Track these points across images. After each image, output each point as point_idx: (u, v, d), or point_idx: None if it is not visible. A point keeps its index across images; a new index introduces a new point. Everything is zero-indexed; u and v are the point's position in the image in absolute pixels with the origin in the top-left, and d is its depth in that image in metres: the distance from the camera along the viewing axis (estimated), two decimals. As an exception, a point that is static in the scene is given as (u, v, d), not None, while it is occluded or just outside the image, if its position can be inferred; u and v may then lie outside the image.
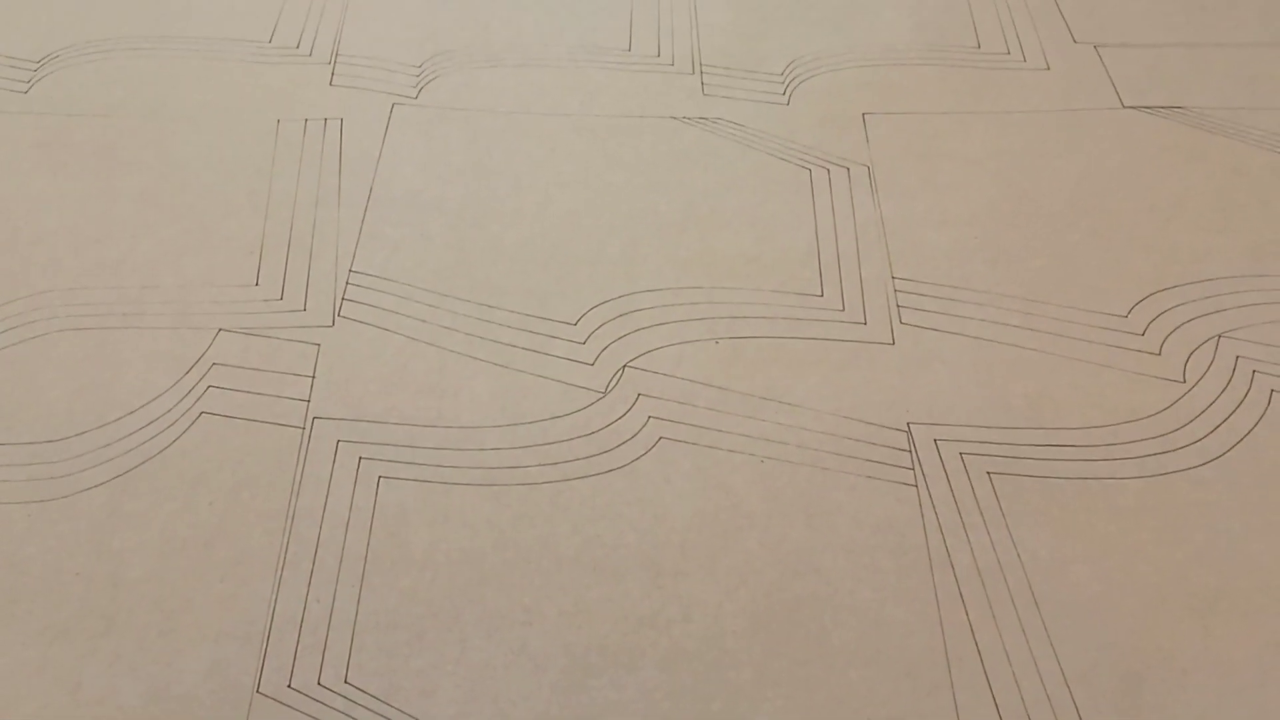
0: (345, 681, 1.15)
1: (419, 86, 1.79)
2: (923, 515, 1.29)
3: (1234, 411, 1.38)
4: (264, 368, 1.41)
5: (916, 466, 1.33)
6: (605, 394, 1.40)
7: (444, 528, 1.27)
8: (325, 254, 1.54)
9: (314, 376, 1.40)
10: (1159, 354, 1.44)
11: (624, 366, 1.43)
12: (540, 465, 1.33)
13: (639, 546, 1.26)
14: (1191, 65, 1.85)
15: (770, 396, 1.40)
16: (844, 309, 1.50)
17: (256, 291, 1.49)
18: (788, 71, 1.84)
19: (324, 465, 1.31)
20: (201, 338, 1.43)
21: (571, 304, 1.50)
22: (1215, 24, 1.92)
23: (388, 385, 1.39)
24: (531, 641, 1.19)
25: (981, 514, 1.29)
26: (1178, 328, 1.47)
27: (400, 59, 1.83)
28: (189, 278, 1.50)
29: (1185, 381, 1.41)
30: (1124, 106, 1.78)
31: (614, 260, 1.55)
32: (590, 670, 1.17)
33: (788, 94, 1.80)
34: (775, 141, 1.72)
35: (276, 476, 1.30)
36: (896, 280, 1.53)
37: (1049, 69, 1.85)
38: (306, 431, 1.34)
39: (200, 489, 1.29)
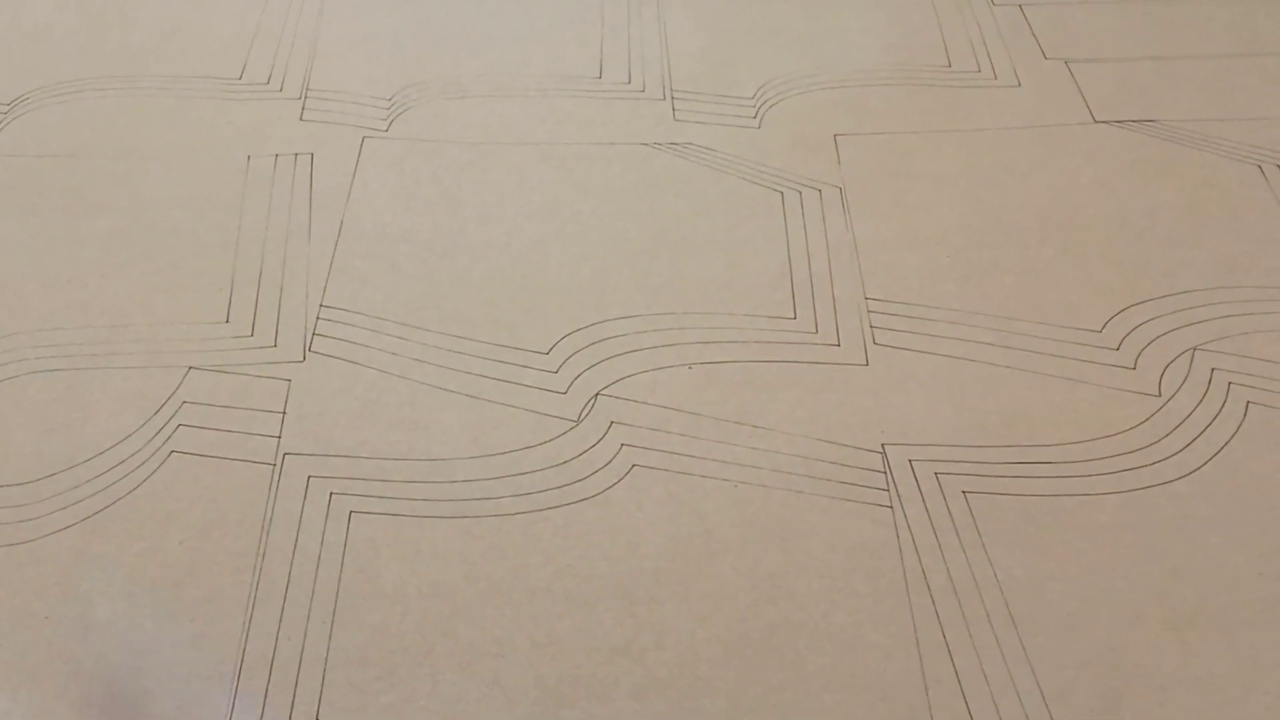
0: (317, 719, 1.14)
1: (389, 119, 1.79)
2: (898, 537, 1.28)
3: (1210, 424, 1.38)
4: (235, 405, 1.40)
5: (891, 488, 1.32)
6: (578, 423, 1.39)
7: (415, 562, 1.26)
8: (295, 289, 1.53)
9: (285, 412, 1.39)
10: (1134, 368, 1.44)
11: (596, 395, 1.42)
12: (512, 496, 1.32)
13: (612, 575, 1.25)
14: (1161, 78, 1.85)
15: (744, 421, 1.39)
16: (817, 331, 1.49)
17: (227, 328, 1.48)
18: (758, 95, 1.84)
19: (295, 501, 1.30)
20: (172, 376, 1.43)
21: (542, 333, 1.49)
22: (1184, 37, 1.93)
23: (359, 419, 1.39)
24: (504, 674, 1.17)
25: (957, 534, 1.28)
26: (1152, 341, 1.47)
27: (370, 92, 1.83)
28: (159, 316, 1.50)
29: (1161, 395, 1.41)
30: (1095, 121, 1.78)
31: (585, 288, 1.54)
32: (563, 701, 1.15)
33: (759, 117, 1.80)
34: (746, 165, 1.72)
35: (247, 514, 1.29)
36: (869, 301, 1.53)
37: (1020, 86, 1.85)
38: (277, 468, 1.33)
39: (170, 529, 1.28)
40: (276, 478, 1.32)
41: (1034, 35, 1.95)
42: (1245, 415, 1.38)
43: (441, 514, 1.30)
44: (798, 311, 1.52)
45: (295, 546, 1.26)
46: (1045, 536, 1.27)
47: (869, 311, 1.51)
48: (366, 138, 1.75)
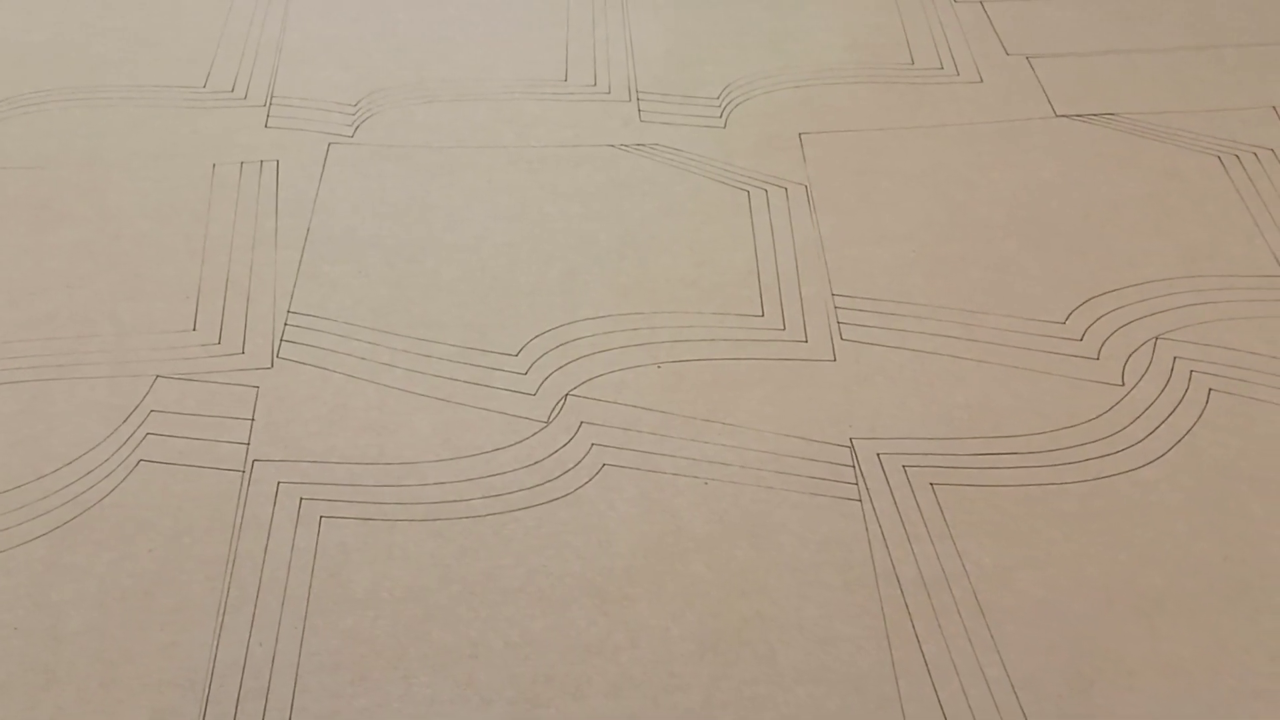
0: (289, 725, 1.14)
1: (355, 125, 1.79)
2: (867, 529, 1.29)
3: (1173, 412, 1.39)
4: (202, 413, 1.40)
5: (860, 481, 1.33)
6: (548, 423, 1.40)
7: (387, 565, 1.26)
8: (263, 296, 1.53)
9: (253, 419, 1.39)
10: (1097, 358, 1.45)
11: (566, 395, 1.42)
12: (484, 498, 1.32)
13: (584, 575, 1.26)
14: (1122, 72, 1.87)
15: (713, 418, 1.40)
16: (785, 328, 1.50)
17: (194, 336, 1.48)
18: (724, 95, 1.85)
19: (265, 508, 1.30)
20: (139, 385, 1.42)
21: (512, 335, 1.49)
22: (1144, 30, 1.95)
23: (328, 424, 1.39)
24: (478, 675, 1.17)
25: (926, 525, 1.29)
26: (1115, 331, 1.48)
27: (336, 98, 1.83)
28: (125, 326, 1.49)
29: (1124, 384, 1.42)
30: (1057, 115, 1.80)
31: (553, 290, 1.55)
32: (538, 701, 1.16)
33: (724, 117, 1.81)
34: (713, 165, 1.73)
35: (217, 521, 1.29)
36: (836, 297, 1.54)
37: (982, 82, 1.87)
38: (246, 475, 1.33)
39: (139, 537, 1.28)
40: (246, 484, 1.32)
41: (995, 31, 1.96)
42: (1207, 402, 1.39)
43: (413, 517, 1.30)
44: (765, 309, 1.52)
45: (266, 552, 1.26)
46: (1013, 526, 1.28)
47: (836, 308, 1.52)
48: (332, 144, 1.76)
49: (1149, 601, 1.22)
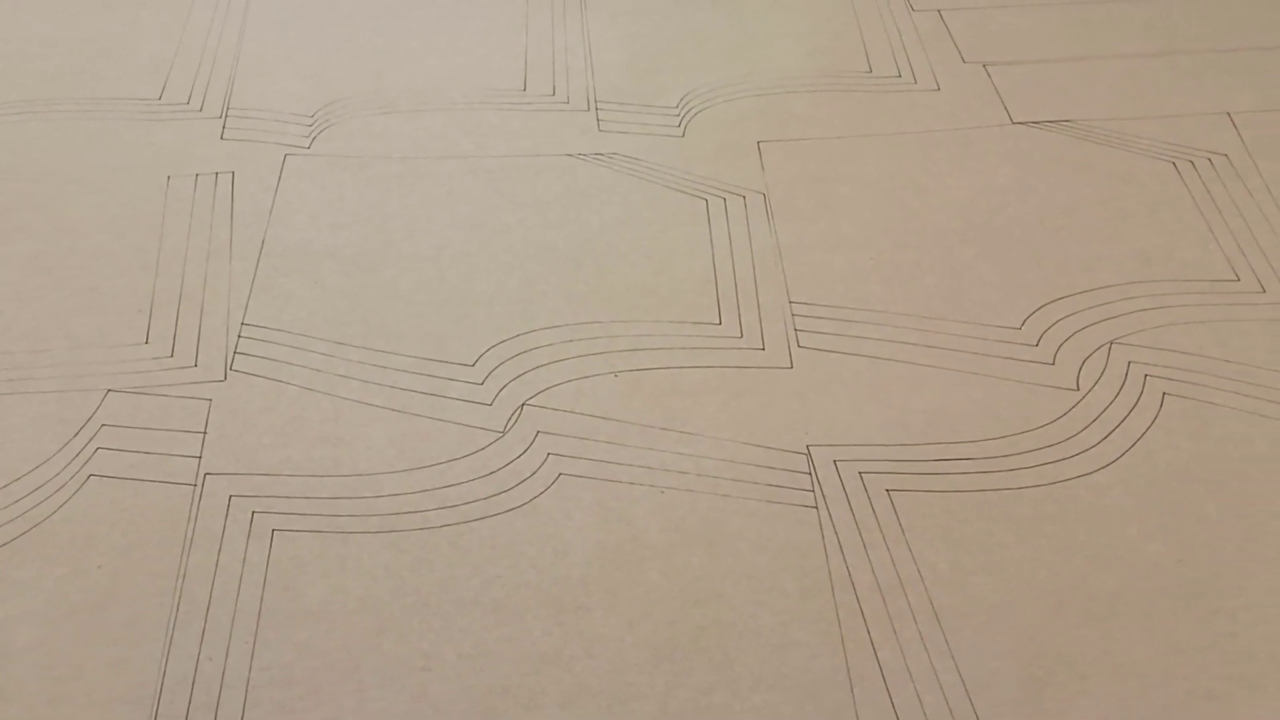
0: (240, 741, 1.13)
1: (311, 136, 1.78)
2: (823, 536, 1.29)
3: (1127, 416, 1.40)
4: (154, 426, 1.38)
5: (816, 488, 1.33)
6: (504, 433, 1.39)
7: (340, 577, 1.25)
8: (217, 308, 1.52)
9: (205, 432, 1.38)
10: (1053, 363, 1.46)
11: (523, 405, 1.42)
12: (439, 508, 1.32)
13: (540, 584, 1.25)
14: (1078, 79, 1.88)
15: (670, 427, 1.40)
16: (742, 336, 1.50)
17: (146, 350, 1.47)
18: (683, 104, 1.85)
19: (216, 521, 1.29)
20: (90, 399, 1.41)
21: (469, 345, 1.49)
22: (1100, 37, 1.96)
23: (282, 437, 1.38)
24: (431, 687, 1.17)
25: (881, 532, 1.29)
26: (1070, 337, 1.49)
27: (292, 109, 1.83)
28: (77, 339, 1.48)
29: (1079, 389, 1.43)
30: (1013, 122, 1.81)
31: (511, 299, 1.54)
32: (491, 713, 1.15)
33: (683, 126, 1.81)
34: (671, 173, 1.73)
35: (168, 536, 1.28)
36: (794, 305, 1.54)
37: (939, 90, 1.87)
38: (198, 488, 1.32)
39: (89, 553, 1.27)
40: (197, 498, 1.31)
41: (953, 39, 1.97)
42: (1161, 406, 1.40)
43: (367, 529, 1.29)
44: (723, 317, 1.52)
45: (217, 566, 1.25)
46: (968, 531, 1.29)
47: (794, 315, 1.52)
48: (289, 155, 1.75)
49: (1102, 605, 1.22)
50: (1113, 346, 1.47)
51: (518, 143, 1.78)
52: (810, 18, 2.02)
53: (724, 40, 1.98)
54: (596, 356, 1.48)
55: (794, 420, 1.40)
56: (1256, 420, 1.38)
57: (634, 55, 1.95)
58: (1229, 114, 1.81)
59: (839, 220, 1.65)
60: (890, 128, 1.81)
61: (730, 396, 1.43)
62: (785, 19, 2.02)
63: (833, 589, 1.24)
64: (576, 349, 1.49)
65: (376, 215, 1.66)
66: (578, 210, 1.67)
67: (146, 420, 1.39)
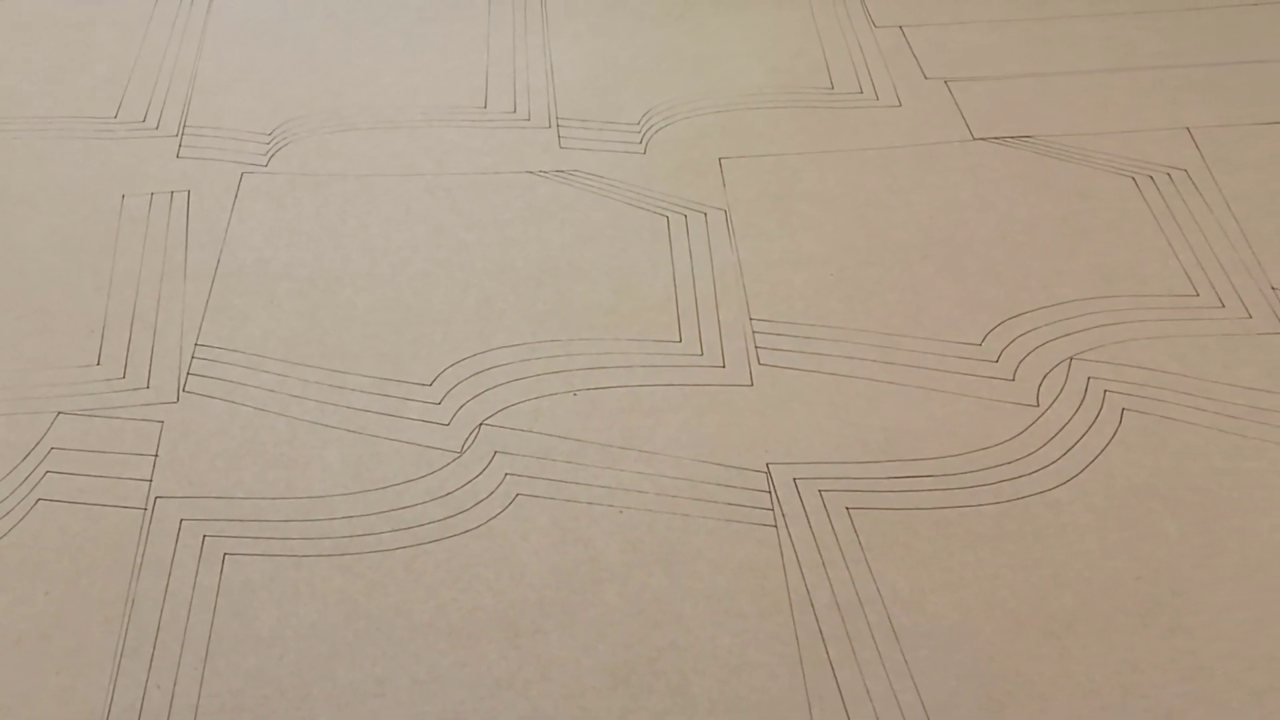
0: (188, 770, 1.11)
1: (269, 154, 1.76)
2: (782, 556, 1.28)
3: (1086, 432, 1.39)
4: (105, 449, 1.36)
5: (776, 507, 1.32)
6: (461, 454, 1.38)
7: (293, 602, 1.23)
8: (170, 329, 1.50)
9: (157, 455, 1.36)
10: (1013, 380, 1.45)
11: (480, 424, 1.40)
12: (394, 531, 1.30)
13: (495, 607, 1.23)
14: (1038, 95, 1.89)
15: (629, 446, 1.39)
16: (702, 353, 1.49)
17: (98, 371, 1.45)
18: (644, 121, 1.85)
19: (166, 546, 1.27)
20: (39, 422, 1.39)
21: (426, 365, 1.47)
22: (1059, 54, 1.97)
23: (234, 459, 1.36)
24: (383, 714, 1.15)
25: (841, 550, 1.28)
26: (1030, 353, 1.48)
27: (250, 127, 1.81)
28: (28, 361, 1.46)
29: (1039, 405, 1.42)
30: (974, 138, 1.81)
31: (469, 318, 1.53)
32: (445, 739, 1.13)
33: (644, 143, 1.80)
34: (632, 190, 1.72)
35: (117, 561, 1.26)
36: (754, 322, 1.53)
37: (901, 106, 1.87)
38: (148, 512, 1.30)
39: (37, 579, 1.24)
40: (147, 522, 1.29)
41: (914, 56, 1.97)
42: (1120, 422, 1.40)
43: (321, 552, 1.28)
44: (683, 334, 1.51)
45: (166, 592, 1.23)
46: (928, 549, 1.28)
47: (754, 332, 1.52)
48: (245, 173, 1.73)
49: (1060, 623, 1.21)
50: (1072, 362, 1.47)
51: (478, 160, 1.77)
52: (772, 34, 2.02)
53: (686, 57, 1.97)
54: (555, 375, 1.46)
55: (754, 438, 1.39)
56: (1214, 435, 1.38)
57: (596, 72, 1.95)
58: (1188, 129, 1.81)
59: (800, 237, 1.65)
60: (852, 144, 1.80)
61: (690, 415, 1.42)
62: (747, 36, 2.01)
63: (792, 609, 1.23)
64: (535, 368, 1.47)
65: (334, 234, 1.64)
66: (538, 228, 1.66)
67: (97, 443, 1.37)
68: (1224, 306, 1.54)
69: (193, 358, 1.47)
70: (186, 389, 1.43)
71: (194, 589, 1.23)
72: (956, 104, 1.87)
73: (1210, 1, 2.07)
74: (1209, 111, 1.84)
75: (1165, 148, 1.78)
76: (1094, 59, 1.96)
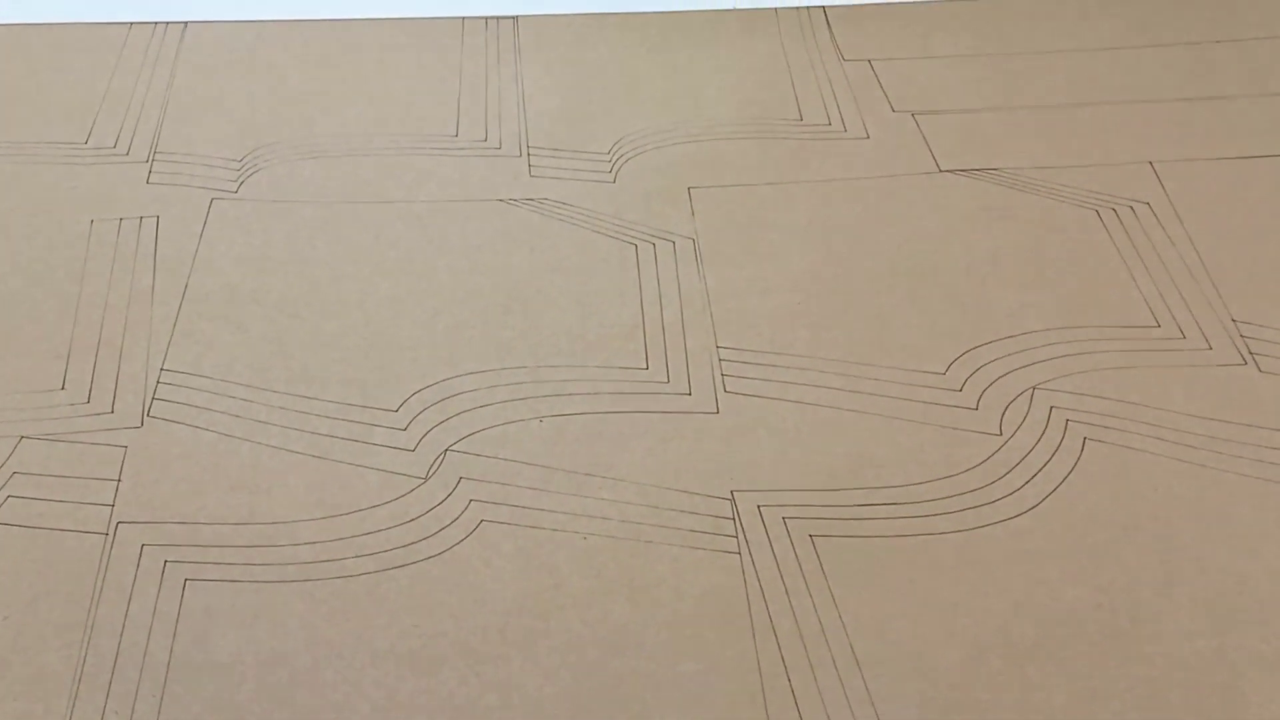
0: (144, 798, 1.10)
1: (239, 180, 1.77)
2: (745, 583, 1.28)
3: (1049, 461, 1.40)
4: (68, 474, 1.36)
5: (740, 534, 1.33)
6: (426, 479, 1.38)
7: (253, 629, 1.23)
8: (136, 354, 1.50)
9: (119, 480, 1.35)
10: (976, 409, 1.46)
11: (446, 451, 1.41)
12: (357, 557, 1.30)
13: (457, 634, 1.23)
14: (1004, 128, 1.91)
15: (594, 473, 1.39)
16: (669, 381, 1.50)
17: (62, 395, 1.44)
18: (614, 150, 1.86)
19: (127, 571, 1.26)
20: (2, 447, 1.38)
21: (393, 391, 1.47)
22: (1026, 88, 1.99)
23: (198, 485, 1.35)
24: (343, 741, 1.14)
25: (804, 578, 1.28)
26: (994, 382, 1.50)
27: (220, 153, 1.81)
28: (-9, 385, 1.45)
29: (1001, 434, 1.43)
30: (940, 170, 1.83)
31: (437, 344, 1.53)
32: (404, 766, 1.13)
33: (614, 172, 1.82)
34: (602, 219, 1.73)
35: (77, 586, 1.25)
36: (721, 349, 1.54)
37: (869, 138, 1.89)
38: (110, 537, 1.29)
39: (-5, 604, 1.24)
40: (109, 547, 1.28)
41: (882, 89, 1.99)
42: (1082, 451, 1.41)
43: (283, 578, 1.27)
44: (650, 362, 1.52)
45: (126, 618, 1.22)
46: (890, 577, 1.28)
47: (720, 360, 1.52)
48: (215, 199, 1.73)
49: (1021, 651, 1.22)
50: (1035, 392, 1.48)
51: (448, 188, 1.78)
52: (742, 66, 2.04)
53: (657, 88, 1.99)
54: (522, 401, 1.47)
55: (719, 465, 1.40)
56: (1174, 465, 1.39)
57: (567, 102, 1.96)
58: (1151, 163, 1.84)
59: (767, 266, 1.66)
60: (820, 175, 1.82)
61: (656, 442, 1.42)
62: (717, 67, 2.03)
63: (754, 636, 1.23)
64: (502, 394, 1.48)
65: (302, 260, 1.64)
66: (507, 255, 1.67)
67: (60, 468, 1.36)
68: (1185, 338, 1.56)
69: (158, 382, 1.46)
70: (151, 414, 1.43)
71: (154, 615, 1.23)
72: (924, 136, 1.89)
73: (1174, 38, 2.10)
74: (1172, 146, 1.87)
75: (1129, 181, 1.81)
76: (1059, 93, 1.98)
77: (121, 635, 1.21)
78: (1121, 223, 1.73)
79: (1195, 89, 1.99)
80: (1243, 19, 2.15)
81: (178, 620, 1.22)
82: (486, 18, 2.13)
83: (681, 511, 1.35)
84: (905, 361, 1.52)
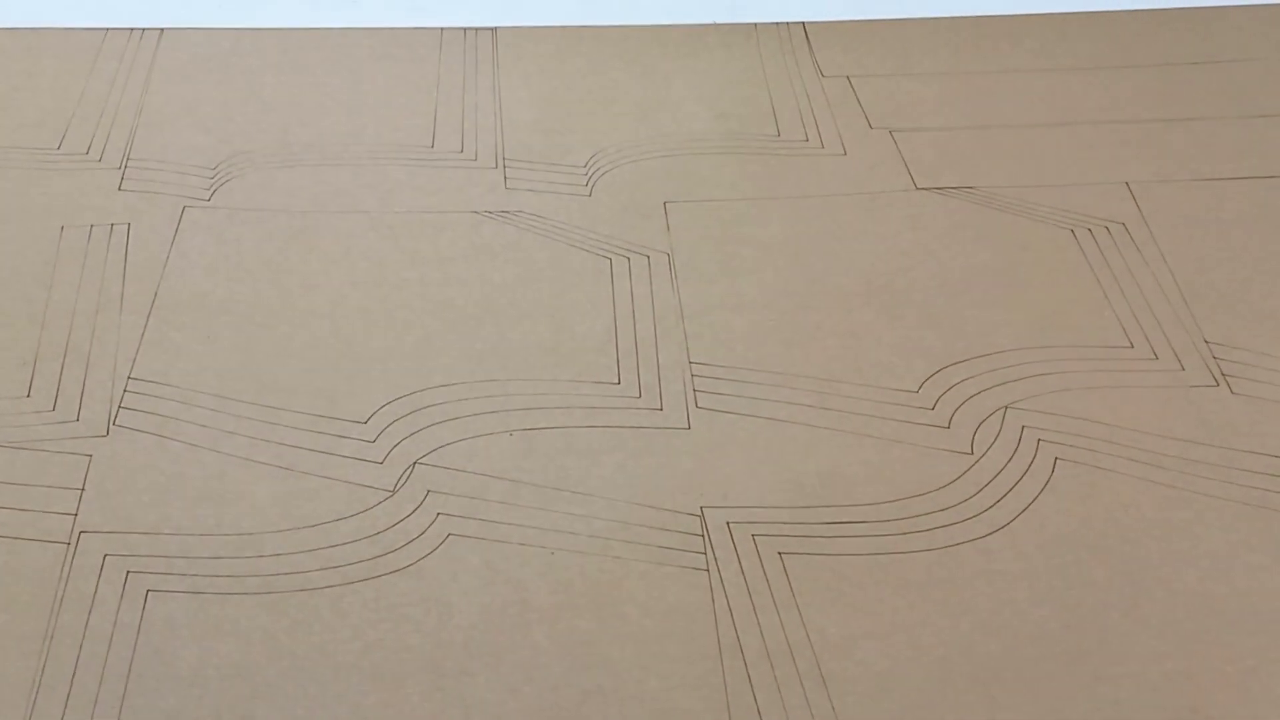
0: (100, 812, 1.09)
1: (212, 188, 1.76)
2: (713, 600, 1.27)
3: (1020, 480, 1.40)
4: (31, 482, 1.34)
5: (708, 550, 1.32)
6: (394, 492, 1.37)
7: (215, 640, 1.21)
8: (103, 362, 1.48)
9: (83, 489, 1.34)
10: (948, 427, 1.46)
11: (414, 463, 1.40)
12: (322, 569, 1.28)
13: (422, 648, 1.22)
14: (981, 147, 1.91)
15: (563, 487, 1.38)
16: (640, 395, 1.49)
17: (27, 403, 1.43)
18: (591, 163, 1.85)
19: (88, 581, 1.25)
20: (-36, 454, 1.37)
21: (362, 402, 1.46)
22: (1002, 107, 2.00)
23: (162, 494, 1.34)
24: (303, 756, 1.13)
25: (772, 595, 1.28)
26: (966, 401, 1.50)
27: (194, 161, 1.80)
28: (-45, 392, 1.44)
29: (973, 453, 1.43)
30: (917, 188, 1.83)
31: (407, 356, 1.52)
32: (365, 782, 1.12)
33: (590, 185, 1.81)
34: (576, 232, 1.73)
35: (37, 596, 1.24)
36: (694, 365, 1.53)
37: (846, 155, 1.90)
38: (72, 547, 1.28)
39: (-47, 614, 1.22)
40: (70, 557, 1.27)
41: (860, 106, 2.00)
42: (1053, 471, 1.41)
43: (246, 590, 1.26)
44: (622, 376, 1.52)
45: (86, 629, 1.21)
46: (858, 595, 1.28)
47: (693, 375, 1.52)
48: (187, 207, 1.72)
49: (988, 671, 1.21)
50: (1007, 411, 1.48)
51: (422, 199, 1.77)
52: (720, 81, 2.04)
53: (634, 102, 1.99)
54: (492, 415, 1.46)
55: (689, 481, 1.39)
56: (1144, 485, 1.39)
57: (544, 114, 1.96)
58: (1127, 184, 1.84)
59: (742, 281, 1.66)
60: (796, 191, 1.82)
61: (626, 457, 1.42)
62: (695, 82, 2.03)
63: (721, 654, 1.22)
64: (472, 407, 1.47)
65: (274, 269, 1.63)
66: (480, 267, 1.66)
67: (23, 476, 1.35)
68: (1158, 359, 1.56)
69: (125, 391, 1.45)
70: (117, 422, 1.41)
71: (115, 626, 1.21)
72: (901, 154, 1.89)
73: (1150, 59, 2.11)
74: (1147, 167, 1.88)
75: (1104, 201, 1.81)
76: (1036, 113, 1.99)
77: (81, 646, 1.19)
78: (1096, 243, 1.74)
79: (1172, 110, 2.00)
80: (1219, 41, 2.16)
81: (139, 631, 1.21)
82: (465, 29, 2.12)
83: (650, 527, 1.34)
84: (878, 379, 1.52)
